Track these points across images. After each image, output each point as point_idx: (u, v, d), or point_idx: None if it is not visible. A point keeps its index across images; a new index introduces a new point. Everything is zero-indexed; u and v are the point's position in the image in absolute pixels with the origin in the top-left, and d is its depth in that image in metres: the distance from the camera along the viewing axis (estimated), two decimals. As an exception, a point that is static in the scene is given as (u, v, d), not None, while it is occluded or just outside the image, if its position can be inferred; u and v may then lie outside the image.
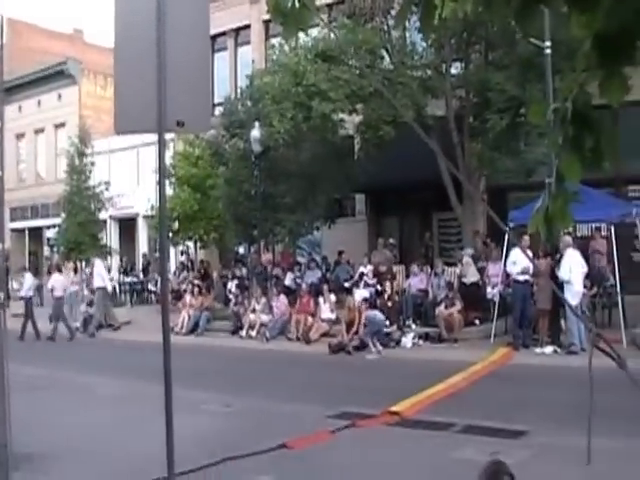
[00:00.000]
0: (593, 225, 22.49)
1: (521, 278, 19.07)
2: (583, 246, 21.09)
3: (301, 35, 24.86)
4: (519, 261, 18.76)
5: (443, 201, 24.76)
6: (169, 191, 28.33)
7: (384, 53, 24.45)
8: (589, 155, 3.90)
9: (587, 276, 19.17)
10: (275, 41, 30.15)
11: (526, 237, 18.05)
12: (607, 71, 3.65)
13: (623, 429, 11.19)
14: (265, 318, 23.56)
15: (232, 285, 27.29)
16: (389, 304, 21.20)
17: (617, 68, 3.67)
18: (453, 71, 24.35)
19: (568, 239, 18.91)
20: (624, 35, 3.49)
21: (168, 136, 6.94)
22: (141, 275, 37.69)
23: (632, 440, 10.87)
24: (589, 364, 4.09)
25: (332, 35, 24.44)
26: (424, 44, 25.11)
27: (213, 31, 35.74)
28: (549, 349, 18.36)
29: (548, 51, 18.85)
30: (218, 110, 28.70)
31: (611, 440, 10.28)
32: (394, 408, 13.39)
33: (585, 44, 3.61)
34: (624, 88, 3.71)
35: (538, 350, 18.48)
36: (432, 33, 23.19)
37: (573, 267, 18.19)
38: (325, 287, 22.70)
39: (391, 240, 26.73)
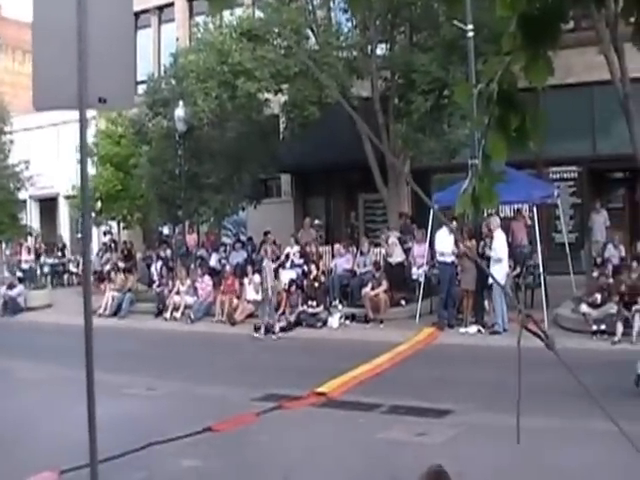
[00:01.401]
0: (515, 206, 22.75)
1: (446, 259, 19.23)
2: (506, 227, 21.38)
3: (226, 14, 24.65)
4: (444, 243, 18.94)
5: (369, 182, 24.79)
6: (91, 170, 27.82)
7: (309, 33, 24.34)
8: (514, 135, 3.91)
9: (510, 256, 19.43)
10: (200, 19, 29.86)
11: (454, 221, 18.31)
12: (532, 53, 3.67)
13: (548, 408, 11.42)
14: (190, 300, 23.36)
15: (156, 266, 26.96)
16: (315, 285, 21.19)
17: (542, 50, 3.68)
18: (378, 52, 24.32)
19: (497, 220, 19.14)
20: (548, 17, 3.50)
21: (90, 113, 6.76)
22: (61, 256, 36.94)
23: (555, 419, 11.11)
24: (518, 345, 4.09)
25: (257, 14, 24.24)
26: (349, 25, 25.15)
27: (136, 8, 35.17)
28: (473, 329, 18.60)
29: (471, 34, 18.99)
30: (141, 88, 28.22)
31: (534, 419, 10.46)
32: (320, 389, 13.42)
33: (510, 25, 3.61)
34: (549, 70, 3.73)
35: (462, 330, 18.70)
36: (358, 14, 23.26)
37: (502, 247, 18.44)
38: (250, 268, 22.57)
39: (317, 221, 26.75)
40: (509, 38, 3.71)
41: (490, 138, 3.94)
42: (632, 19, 3.54)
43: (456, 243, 18.60)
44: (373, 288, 20.47)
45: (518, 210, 21.90)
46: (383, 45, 24.77)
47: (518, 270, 20.39)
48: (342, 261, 22.43)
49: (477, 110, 4.03)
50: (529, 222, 21.44)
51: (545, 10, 3.50)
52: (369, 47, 24.08)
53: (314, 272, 21.66)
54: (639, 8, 3.48)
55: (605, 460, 9.39)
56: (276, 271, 22.45)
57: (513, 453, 9.76)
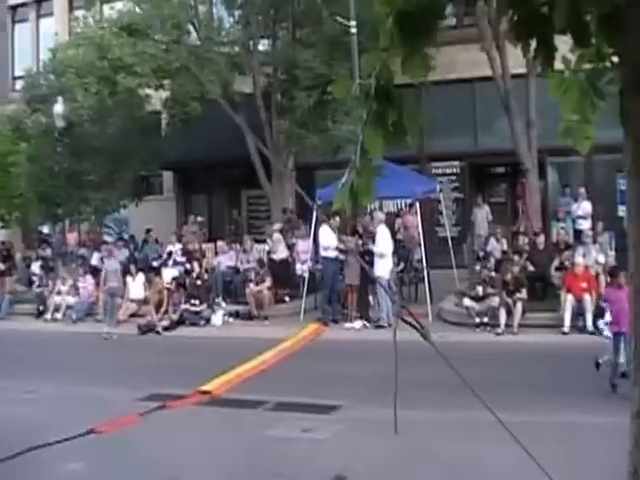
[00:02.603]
0: (399, 201, 23.02)
1: (331, 255, 19.31)
2: (389, 222, 21.62)
3: (106, 8, 24.21)
4: (328, 238, 19.03)
5: (252, 178, 24.81)
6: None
7: (191, 28, 24.15)
8: (392, 130, 3.92)
9: (394, 252, 19.66)
10: (79, 13, 29.13)
11: (337, 217, 18.42)
12: (409, 49, 3.67)
13: (433, 401, 11.64)
14: (71, 300, 22.82)
15: (36, 266, 26.24)
16: (198, 282, 21.00)
17: (419, 46, 3.69)
18: (260, 48, 24.39)
19: (381, 215, 19.34)
20: (425, 13, 3.51)
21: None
22: None
23: (440, 411, 11.30)
24: (394, 335, 4.12)
25: (138, 8, 23.88)
26: (231, 20, 25.04)
27: (14, 1, 34.27)
28: (358, 324, 18.75)
29: (354, 30, 19.15)
30: (19, 84, 27.46)
31: (420, 412, 10.64)
32: (204, 387, 13.25)
33: (388, 22, 3.61)
34: (426, 66, 3.74)
35: (347, 325, 18.84)
36: (239, 9, 23.20)
37: (386, 242, 18.63)
38: (133, 267, 22.21)
39: (199, 218, 26.56)
40: (386, 34, 3.71)
41: (368, 133, 3.95)
42: (506, 17, 3.59)
43: (340, 239, 18.73)
44: (257, 285, 20.40)
45: (410, 205, 22.11)
46: (265, 41, 24.84)
47: (402, 265, 20.62)
48: (225, 258, 22.30)
49: (357, 106, 4.03)
50: (412, 217, 21.71)
51: (421, 7, 3.51)
52: (251, 43, 24.08)
53: (197, 270, 21.46)
54: (513, 5, 3.51)
55: (486, 451, 9.59)
56: (158, 269, 22.17)
57: (399, 446, 9.90)
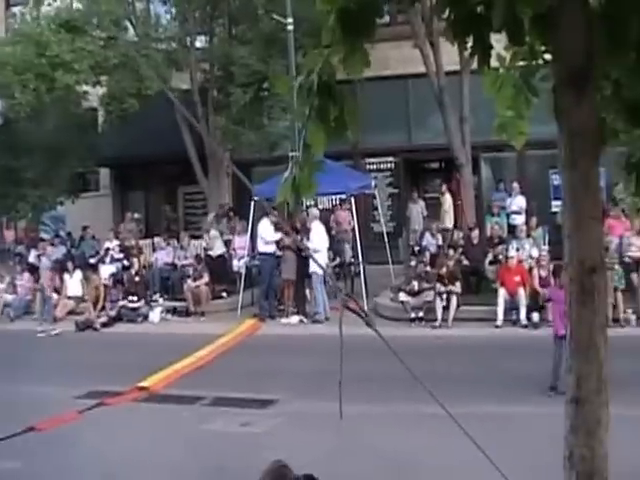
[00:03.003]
0: (334, 197, 23.15)
1: (268, 250, 19.38)
2: (325, 218, 21.76)
3: (44, 4, 23.92)
4: (266, 234, 19.13)
5: (189, 175, 24.80)
6: None
7: (128, 25, 24.02)
8: (333, 125, 4.03)
9: (329, 247, 19.82)
10: (16, 10, 28.81)
11: (275, 211, 18.49)
12: (350, 46, 3.79)
13: (373, 394, 11.85)
14: (9, 297, 22.50)
15: (-28, 265, 25.81)
16: (136, 279, 20.90)
17: (359, 43, 3.81)
18: (198, 44, 24.42)
19: (316, 211, 19.48)
20: (365, 11, 3.64)
21: None
22: None
23: (380, 404, 11.52)
24: (339, 325, 4.22)
25: (76, 5, 23.66)
26: (168, 17, 24.99)
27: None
28: (295, 319, 18.87)
29: (290, 27, 19.23)
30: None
31: (358, 405, 10.78)
32: (142, 384, 13.36)
33: (329, 19, 3.72)
34: (365, 62, 3.87)
35: (284, 320, 18.93)
36: (176, 6, 23.16)
37: (320, 237, 18.77)
38: (70, 264, 22.02)
39: (137, 214, 26.41)
40: (328, 32, 3.82)
41: (310, 128, 4.05)
42: (444, 15, 3.72)
43: (280, 231, 18.83)
44: (194, 281, 20.39)
45: (342, 200, 22.28)
46: (202, 37, 24.85)
47: (338, 260, 20.78)
48: (162, 254, 22.24)
49: (298, 101, 4.13)
50: (348, 213, 21.88)
51: (361, 5, 3.62)
52: (188, 39, 24.07)
53: (134, 266, 21.36)
54: (450, 5, 3.63)
55: (430, 443, 9.82)
56: (96, 266, 22.01)
57: (336, 439, 10.05)
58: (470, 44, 3.74)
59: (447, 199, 22.38)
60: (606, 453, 3.70)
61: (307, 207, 20.40)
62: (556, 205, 19.73)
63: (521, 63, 4.67)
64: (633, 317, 16.55)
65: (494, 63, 4.19)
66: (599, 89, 4.15)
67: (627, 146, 4.95)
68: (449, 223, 22.21)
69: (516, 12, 3.48)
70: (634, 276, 17.09)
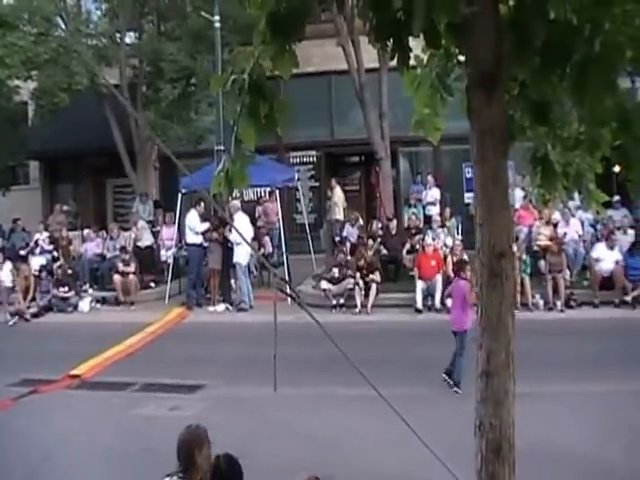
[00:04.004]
0: (259, 190, 23.55)
1: (195, 241, 19.65)
2: (250, 209, 22.17)
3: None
4: (194, 225, 19.39)
5: (118, 168, 24.88)
6: None
7: (59, 20, 23.95)
8: (264, 122, 4.48)
9: (254, 238, 20.20)
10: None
11: (202, 203, 18.80)
12: (279, 47, 4.23)
13: (293, 378, 12.23)
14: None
15: None
16: (69, 271, 20.90)
17: (288, 44, 4.25)
18: (127, 40, 24.45)
19: (237, 203, 19.76)
20: (294, 15, 4.07)
21: None
22: None
23: (300, 387, 11.95)
24: (274, 305, 4.64)
25: (6, 0, 23.51)
26: (99, 13, 25.02)
27: None
28: (221, 307, 19.21)
29: (217, 25, 19.52)
30: None
31: (283, 388, 11.23)
32: (74, 372, 13.56)
33: (260, 22, 4.15)
34: (293, 63, 4.33)
35: (211, 308, 19.25)
36: (106, 3, 23.20)
37: (243, 229, 19.10)
38: (0, 255, 21.89)
39: (66, 207, 26.31)
40: (259, 34, 4.26)
41: (241, 124, 4.49)
42: (367, 20, 4.16)
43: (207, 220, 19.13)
44: (123, 271, 20.49)
45: (271, 192, 22.63)
46: (132, 34, 24.89)
47: (263, 250, 21.09)
48: (92, 246, 22.22)
49: (230, 99, 4.56)
50: (273, 204, 22.26)
51: (291, 9, 4.05)
52: (118, 35, 24.10)
53: (64, 257, 21.40)
54: (373, 11, 4.06)
55: (351, 422, 10.34)
56: (26, 257, 21.97)
57: (261, 421, 10.51)
58: (391, 47, 4.14)
59: (337, 192, 22.83)
60: (513, 421, 4.21)
61: (232, 199, 20.68)
62: (469, 197, 20.33)
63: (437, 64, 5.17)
64: (541, 302, 17.49)
65: (413, 63, 4.63)
66: (508, 90, 4.69)
67: (533, 142, 5.49)
68: (339, 215, 22.66)
69: (433, 19, 3.88)
70: (542, 263, 17.98)
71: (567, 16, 4.25)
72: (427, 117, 5.72)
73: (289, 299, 17.97)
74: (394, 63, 4.41)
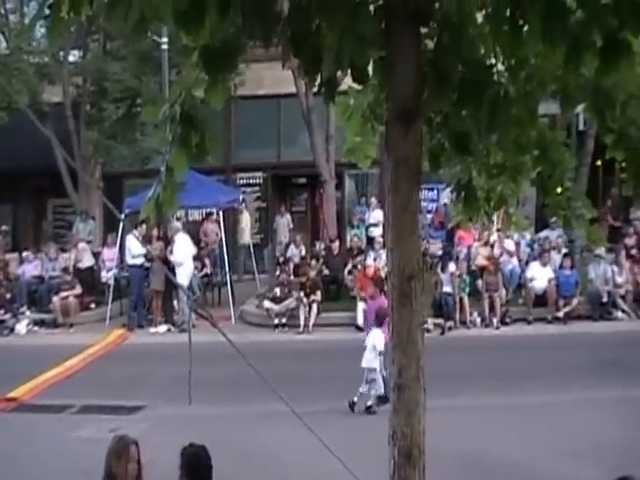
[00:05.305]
0: (204, 210, 23.58)
1: (137, 262, 19.61)
2: (194, 230, 22.21)
3: None
4: (134, 246, 19.35)
5: (59, 188, 24.66)
6: None
7: (1, 37, 23.78)
8: (195, 150, 4.61)
9: (197, 258, 20.24)
10: None
11: (143, 225, 18.80)
12: (212, 80, 4.35)
13: (229, 396, 12.41)
14: None
15: None
16: (2, 292, 20.67)
17: (221, 77, 4.37)
18: (71, 59, 24.32)
19: (178, 225, 19.75)
20: (227, 49, 4.18)
21: None
22: None
23: (237, 405, 12.12)
24: (189, 329, 4.78)
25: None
26: (42, 30, 24.81)
27: None
28: (163, 328, 19.23)
29: (165, 46, 19.56)
30: None
31: (219, 407, 11.39)
32: (10, 394, 13.42)
33: (193, 55, 4.27)
34: (226, 94, 4.44)
35: (152, 330, 19.26)
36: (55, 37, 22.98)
37: (184, 250, 19.13)
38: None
39: (4, 227, 26.03)
40: (192, 66, 4.38)
41: (173, 153, 4.62)
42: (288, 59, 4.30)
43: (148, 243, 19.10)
44: (63, 293, 20.29)
45: (209, 213, 22.70)
46: (76, 52, 24.74)
47: (206, 270, 21.13)
48: (30, 267, 21.97)
49: (163, 127, 4.70)
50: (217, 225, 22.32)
51: (224, 43, 4.16)
52: (61, 53, 23.95)
53: (0, 279, 21.15)
54: (296, 49, 4.18)
55: (278, 439, 10.47)
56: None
57: (201, 439, 10.52)
58: (318, 81, 4.25)
59: (245, 217, 23.28)
60: (423, 430, 4.43)
61: (177, 219, 20.69)
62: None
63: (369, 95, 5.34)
64: (478, 319, 17.96)
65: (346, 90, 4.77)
66: (432, 120, 4.89)
67: (457, 169, 5.70)
68: (246, 239, 23.17)
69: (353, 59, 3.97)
70: (479, 282, 18.41)
71: (486, 54, 4.48)
72: (359, 145, 5.92)
73: (232, 319, 18.22)
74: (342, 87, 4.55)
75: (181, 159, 4.62)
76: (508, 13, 3.75)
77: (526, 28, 3.75)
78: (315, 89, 4.39)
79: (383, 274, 18.50)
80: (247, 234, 23.46)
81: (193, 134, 4.59)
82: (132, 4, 3.10)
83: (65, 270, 20.78)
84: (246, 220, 23.27)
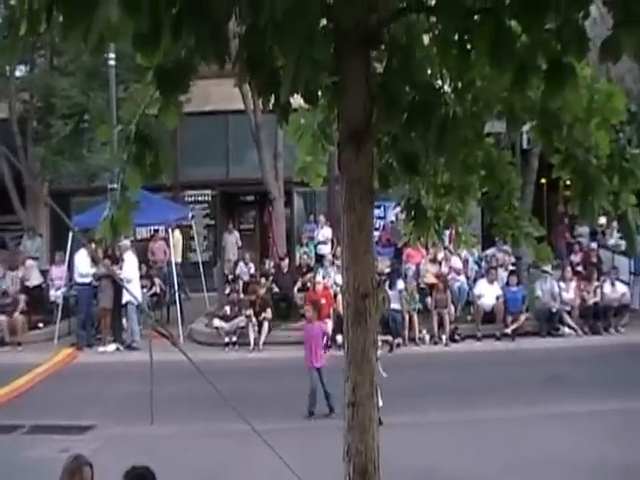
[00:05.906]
0: (152, 228, 23.50)
1: (85, 280, 19.46)
2: (143, 248, 22.12)
3: None
4: (82, 265, 19.21)
5: (6, 204, 24.38)
6: None
7: (-60, 51, 23.40)
8: (149, 169, 4.67)
9: (146, 276, 20.18)
10: None
11: (92, 243, 18.67)
12: (165, 100, 4.42)
13: (182, 415, 12.36)
14: None
15: None
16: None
17: (173, 97, 4.45)
18: (18, 74, 24.06)
19: (127, 243, 19.63)
20: (180, 69, 4.25)
21: None
22: None
23: (190, 424, 12.06)
24: (149, 347, 4.82)
25: None
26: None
27: None
28: (112, 347, 19.03)
29: (112, 62, 19.48)
30: None
31: (172, 426, 11.34)
32: (-44, 415, 13.23)
33: (148, 74, 4.34)
34: (178, 113, 4.52)
35: (101, 349, 19.03)
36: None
37: (133, 268, 19.06)
38: None
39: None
40: (146, 86, 4.44)
41: (127, 172, 4.68)
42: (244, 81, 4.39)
43: (96, 264, 18.94)
44: (10, 311, 20.04)
45: (156, 231, 22.65)
46: (23, 67, 24.48)
47: (154, 289, 21.05)
48: (-26, 286, 21.68)
49: (117, 147, 4.75)
50: (165, 243, 22.28)
51: (178, 64, 4.22)
52: (8, 68, 23.72)
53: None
54: (251, 72, 4.27)
55: (238, 456, 10.48)
56: None
57: (151, 459, 10.49)
58: (271, 103, 4.37)
59: (176, 235, 23.10)
60: (378, 445, 4.53)
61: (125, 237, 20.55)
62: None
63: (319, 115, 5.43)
64: (427, 336, 18.17)
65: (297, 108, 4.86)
66: (381, 141, 5.00)
67: (406, 188, 5.83)
68: (178, 258, 22.95)
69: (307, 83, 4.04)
70: (429, 300, 18.63)
71: (433, 77, 4.62)
72: (310, 164, 6.01)
73: (181, 338, 18.14)
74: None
75: (135, 178, 4.69)
76: (456, 37, 3.88)
77: (473, 52, 3.89)
78: (266, 107, 4.47)
79: (332, 292, 18.71)
80: (178, 252, 23.33)
81: (147, 153, 4.66)
82: (91, 26, 3.13)
83: (5, 294, 20.40)
84: (177, 239, 23.19)
